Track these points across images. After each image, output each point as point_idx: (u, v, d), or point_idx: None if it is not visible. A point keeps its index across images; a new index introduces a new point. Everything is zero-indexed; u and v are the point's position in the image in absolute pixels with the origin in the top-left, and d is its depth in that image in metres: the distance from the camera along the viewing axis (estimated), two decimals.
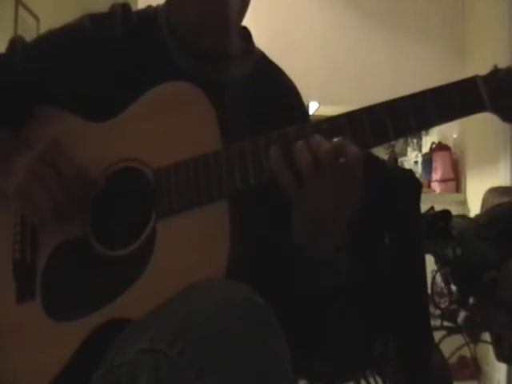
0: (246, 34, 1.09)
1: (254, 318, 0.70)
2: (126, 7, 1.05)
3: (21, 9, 3.18)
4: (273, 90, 1.05)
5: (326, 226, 0.84)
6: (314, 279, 0.90)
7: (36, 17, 3.35)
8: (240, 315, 0.69)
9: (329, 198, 0.80)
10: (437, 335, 2.08)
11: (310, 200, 0.81)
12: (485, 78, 0.80)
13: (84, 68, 0.99)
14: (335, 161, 0.78)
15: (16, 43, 1.04)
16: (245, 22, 1.06)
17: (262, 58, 1.10)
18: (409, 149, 4.25)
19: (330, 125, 0.82)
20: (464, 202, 3.62)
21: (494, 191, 2.55)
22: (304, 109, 1.13)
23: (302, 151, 0.79)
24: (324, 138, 0.79)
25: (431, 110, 0.81)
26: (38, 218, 0.91)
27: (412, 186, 1.69)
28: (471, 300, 2.10)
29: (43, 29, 3.31)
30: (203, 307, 0.70)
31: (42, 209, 0.88)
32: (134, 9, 1.08)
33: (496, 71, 0.81)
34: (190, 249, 0.82)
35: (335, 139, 0.79)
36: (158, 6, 1.07)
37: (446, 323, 2.21)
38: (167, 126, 0.89)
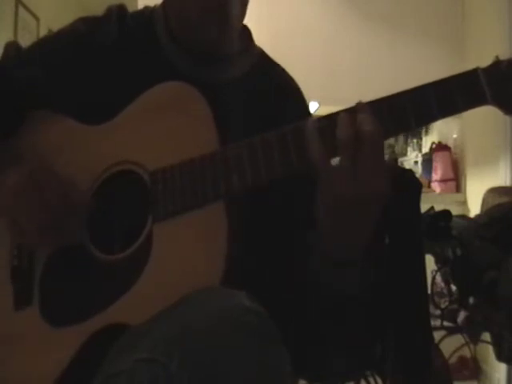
0: (245, 32, 1.07)
1: (255, 330, 0.69)
2: (121, 8, 1.04)
3: (21, 9, 3.17)
4: (273, 88, 1.04)
5: (349, 219, 0.78)
6: (330, 281, 0.85)
7: (36, 17, 3.35)
8: (240, 327, 0.68)
9: (353, 183, 0.75)
10: (437, 335, 2.08)
11: (337, 181, 0.76)
12: (486, 69, 0.78)
13: (80, 71, 0.98)
14: (376, 142, 0.74)
15: (10, 49, 1.03)
16: (245, 22, 1.06)
17: (262, 56, 1.08)
18: (409, 149, 4.25)
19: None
20: (464, 202, 3.62)
21: (494, 191, 2.55)
22: (305, 105, 1.10)
23: (344, 123, 0.75)
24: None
25: (431, 104, 0.78)
26: (24, 241, 0.91)
27: (412, 185, 1.69)
28: (471, 300, 2.10)
29: (43, 29, 3.32)
30: (203, 317, 0.68)
31: (28, 233, 0.88)
32: (133, 10, 1.07)
33: (497, 63, 0.78)
34: (186, 252, 0.80)
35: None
36: (154, 7, 1.06)
37: (446, 323, 2.21)
38: (164, 127, 0.87)
